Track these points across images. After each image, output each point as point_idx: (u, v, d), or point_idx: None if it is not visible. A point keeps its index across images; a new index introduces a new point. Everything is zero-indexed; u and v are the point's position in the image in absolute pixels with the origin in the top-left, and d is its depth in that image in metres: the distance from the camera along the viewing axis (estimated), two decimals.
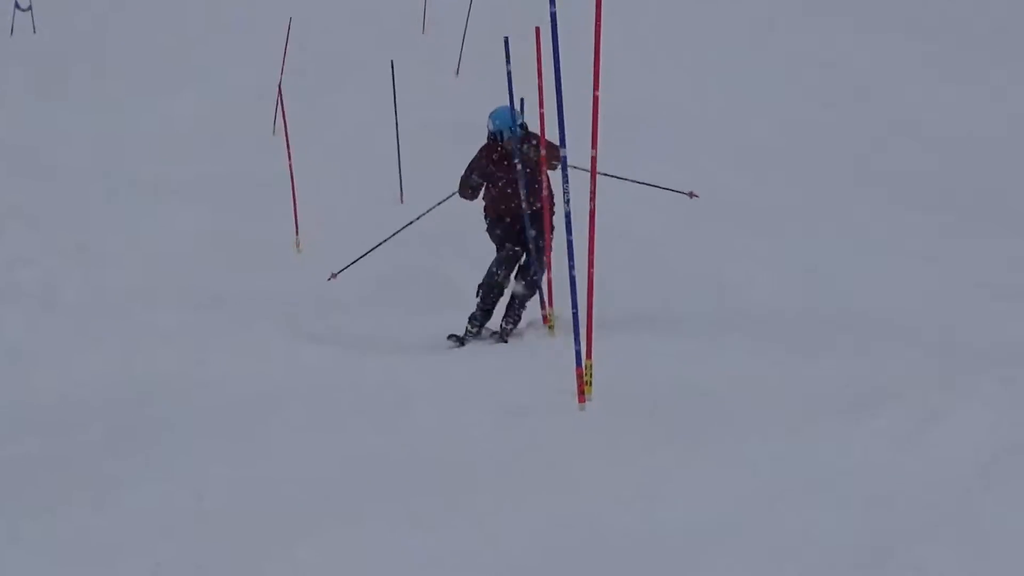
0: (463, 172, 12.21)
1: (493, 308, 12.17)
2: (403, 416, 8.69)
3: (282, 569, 6.23)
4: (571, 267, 8.84)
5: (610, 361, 8.92)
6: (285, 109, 16.84)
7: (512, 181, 11.97)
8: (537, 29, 10.58)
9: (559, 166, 9.64)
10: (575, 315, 8.90)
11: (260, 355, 10.79)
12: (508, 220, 12.11)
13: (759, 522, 6.27)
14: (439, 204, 12.99)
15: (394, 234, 13.16)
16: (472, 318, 12.15)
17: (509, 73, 11.53)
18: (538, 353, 10.81)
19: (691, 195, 12.58)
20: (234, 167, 19.62)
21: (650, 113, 21.56)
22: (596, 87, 8.49)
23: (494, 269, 12.09)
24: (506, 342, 11.91)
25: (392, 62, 18.65)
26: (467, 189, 12.23)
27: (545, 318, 12.21)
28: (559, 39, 8.65)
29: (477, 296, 12.13)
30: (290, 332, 11.64)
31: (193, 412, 9.17)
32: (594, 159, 8.67)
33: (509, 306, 12.17)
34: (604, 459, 7.39)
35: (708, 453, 7.28)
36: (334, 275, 13.10)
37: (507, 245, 12.12)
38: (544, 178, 11.63)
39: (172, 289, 13.40)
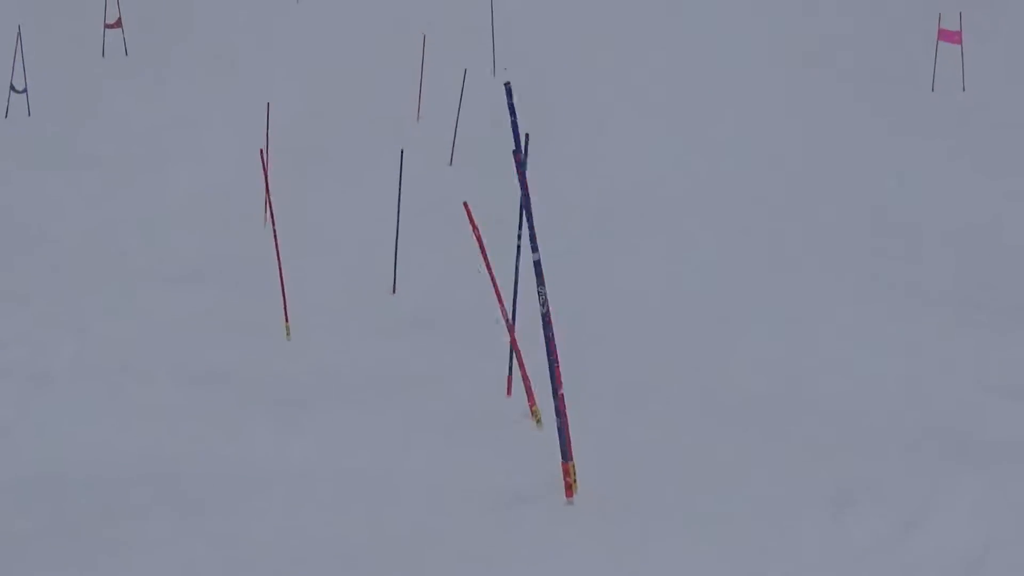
0: None
1: None
2: (388, 504, 8.69)
3: None
4: (551, 364, 8.65)
5: (595, 447, 8.90)
6: (272, 198, 16.91)
7: None
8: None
9: None
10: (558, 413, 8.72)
11: (247, 439, 10.78)
12: None
13: None
14: None
15: None
16: None
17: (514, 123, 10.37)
18: (525, 445, 10.77)
19: None
20: (226, 251, 19.72)
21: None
22: None
23: None
24: None
25: (402, 151, 18.49)
26: None
27: (532, 412, 12.06)
28: None
29: None
30: (277, 418, 11.63)
31: (180, 491, 9.16)
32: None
33: None
34: (592, 553, 7.41)
35: (693, 546, 7.32)
36: None
37: None
38: None
39: (163, 368, 13.40)
